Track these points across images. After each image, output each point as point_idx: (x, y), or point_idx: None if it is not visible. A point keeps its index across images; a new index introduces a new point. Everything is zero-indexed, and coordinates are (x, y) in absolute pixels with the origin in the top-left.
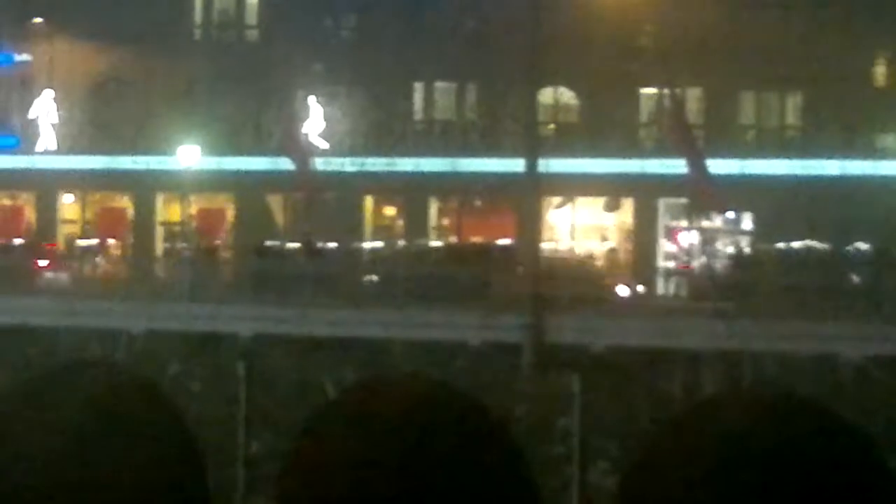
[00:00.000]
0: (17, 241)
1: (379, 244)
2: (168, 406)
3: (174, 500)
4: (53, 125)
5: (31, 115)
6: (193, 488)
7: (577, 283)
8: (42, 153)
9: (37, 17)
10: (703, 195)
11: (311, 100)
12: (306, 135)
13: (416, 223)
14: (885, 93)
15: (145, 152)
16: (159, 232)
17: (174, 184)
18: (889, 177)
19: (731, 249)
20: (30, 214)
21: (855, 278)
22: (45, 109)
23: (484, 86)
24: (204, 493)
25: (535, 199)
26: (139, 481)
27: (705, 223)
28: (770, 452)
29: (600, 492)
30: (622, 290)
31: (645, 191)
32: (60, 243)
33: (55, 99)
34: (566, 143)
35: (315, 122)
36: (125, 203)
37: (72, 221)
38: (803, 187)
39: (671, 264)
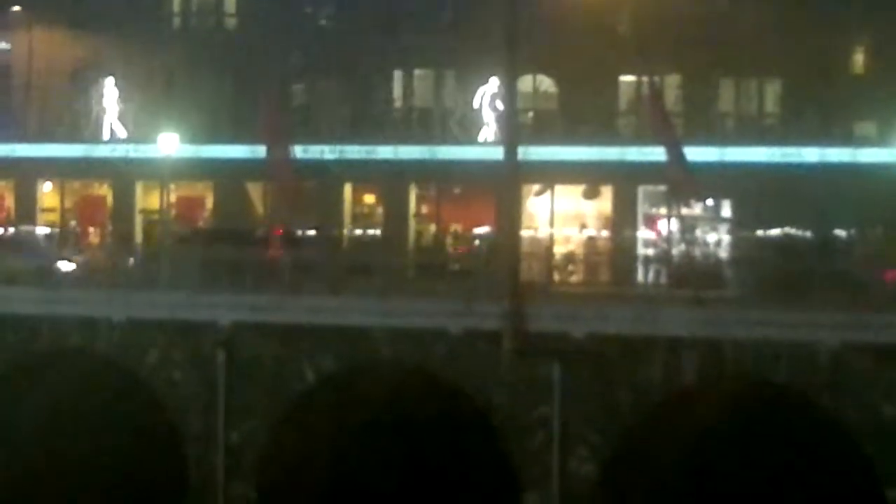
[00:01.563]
0: None
1: None
2: (148, 394)
3: (155, 488)
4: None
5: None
6: (174, 476)
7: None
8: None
9: (15, 5)
10: (681, 182)
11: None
12: (285, 122)
13: (395, 211)
14: (864, 80)
15: (124, 140)
16: (138, 220)
17: (153, 172)
18: (867, 164)
19: (710, 237)
20: (9, 202)
21: (833, 265)
22: (109, 100)
23: (462, 73)
24: (184, 480)
25: (514, 186)
26: (119, 470)
27: (684, 211)
28: (748, 439)
29: (580, 479)
30: None
31: (624, 178)
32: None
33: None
34: (545, 130)
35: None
36: (104, 191)
37: (51, 210)
38: (782, 175)
39: (650, 251)
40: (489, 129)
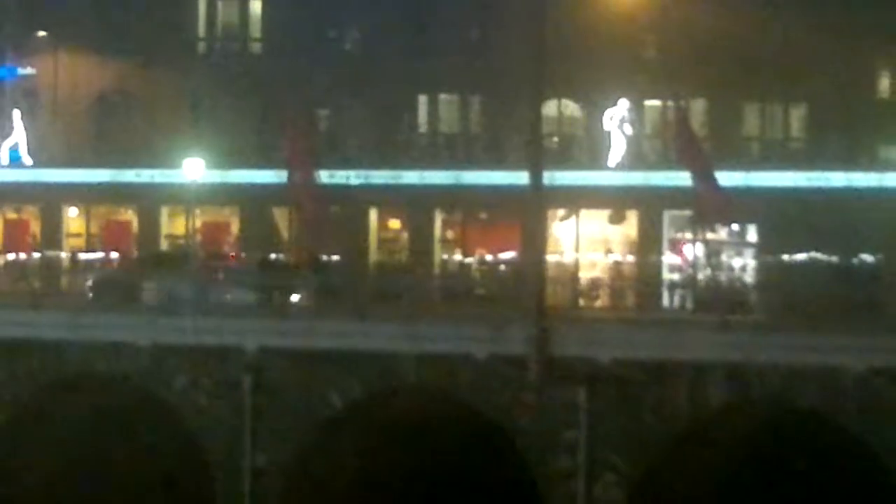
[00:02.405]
0: None
1: None
2: (174, 419)
3: None
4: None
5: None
6: (200, 502)
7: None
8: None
9: (41, 30)
10: (714, 206)
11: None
12: (310, 147)
13: (420, 236)
14: (889, 104)
15: (150, 165)
16: (164, 245)
17: (179, 197)
18: (893, 188)
19: (736, 261)
20: (35, 227)
21: (859, 289)
22: None
23: (488, 98)
24: None
25: (540, 211)
26: (145, 495)
27: (710, 235)
28: (775, 464)
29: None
30: None
31: (649, 203)
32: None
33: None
34: (570, 155)
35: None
36: (130, 216)
37: (77, 235)
38: (808, 199)
39: (676, 276)
40: (617, 152)
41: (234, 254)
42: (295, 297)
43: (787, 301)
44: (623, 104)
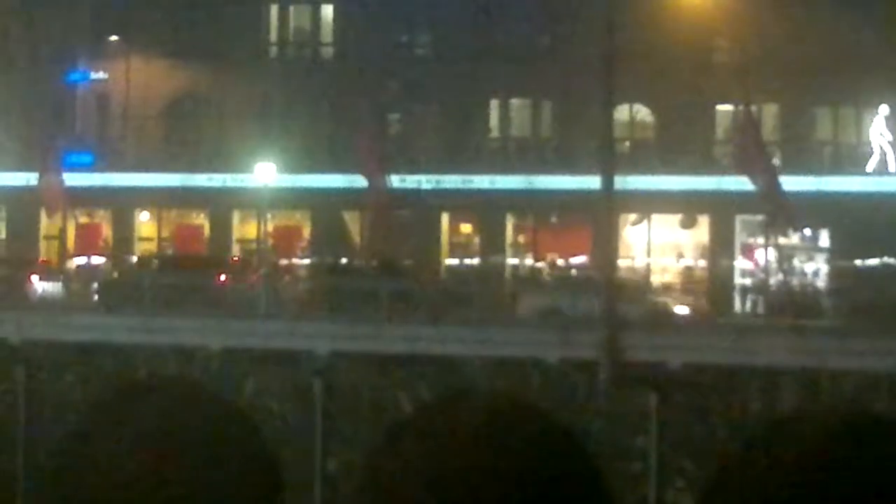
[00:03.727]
0: None
1: None
2: (245, 423)
3: None
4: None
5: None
6: None
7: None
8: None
9: (113, 34)
10: (778, 211)
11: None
12: (382, 152)
13: (492, 240)
14: None
15: (221, 170)
16: (235, 249)
17: (250, 201)
18: None
19: (808, 266)
20: (106, 232)
21: None
22: None
23: (559, 103)
24: None
25: (611, 216)
26: (217, 499)
27: (782, 240)
28: (847, 469)
29: None
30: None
31: (721, 207)
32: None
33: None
34: (642, 159)
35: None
36: (201, 220)
37: (148, 239)
38: (880, 204)
39: (748, 281)
40: (882, 158)
41: (236, 257)
42: None
43: (860, 306)
44: (883, 109)
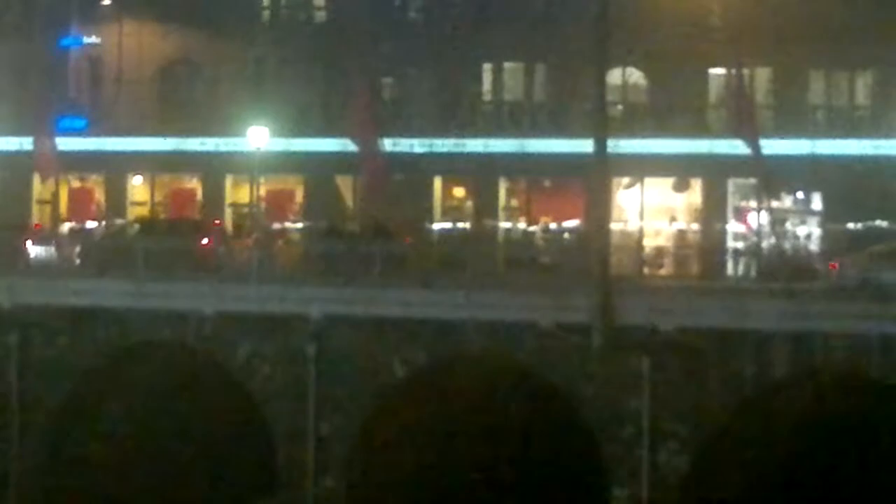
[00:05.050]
0: None
1: None
2: (238, 387)
3: (245, 481)
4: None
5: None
6: (264, 469)
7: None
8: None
9: None
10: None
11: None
12: (375, 116)
13: (485, 204)
14: None
15: (214, 134)
16: (228, 213)
17: (243, 165)
18: None
19: (801, 230)
20: (99, 196)
21: None
22: None
23: (552, 66)
24: (274, 473)
25: (604, 179)
26: (210, 462)
27: (775, 203)
28: (841, 432)
29: (670, 473)
30: None
31: (714, 171)
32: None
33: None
34: (635, 123)
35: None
36: (194, 185)
37: (141, 203)
38: (873, 167)
39: (740, 245)
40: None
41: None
42: None
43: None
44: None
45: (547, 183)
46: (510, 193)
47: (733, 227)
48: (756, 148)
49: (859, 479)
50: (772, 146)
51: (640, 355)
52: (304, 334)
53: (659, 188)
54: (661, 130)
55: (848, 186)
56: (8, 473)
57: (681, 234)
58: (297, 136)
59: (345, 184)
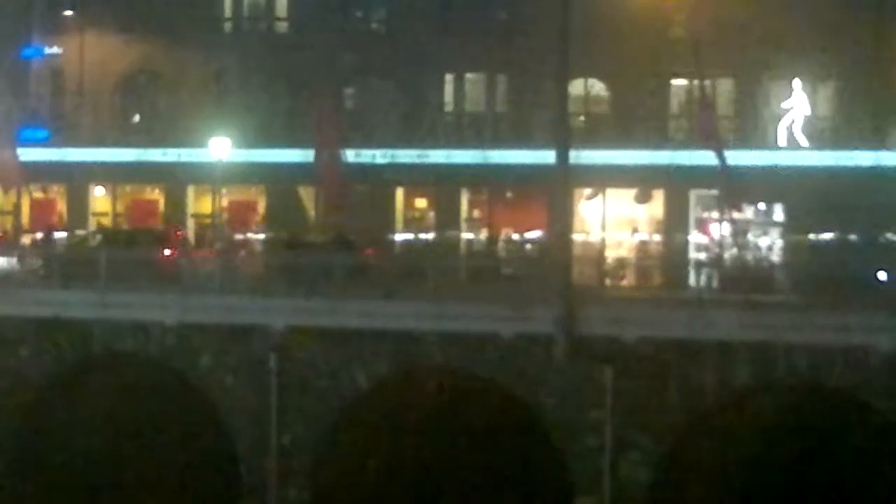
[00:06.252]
0: None
1: None
2: (200, 398)
3: (208, 492)
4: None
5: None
6: (227, 480)
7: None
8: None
9: (67, 9)
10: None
11: (342, 91)
12: (337, 126)
13: (447, 215)
14: None
15: (176, 144)
16: (191, 224)
17: (205, 176)
18: None
19: (762, 241)
20: (61, 207)
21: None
22: None
23: (514, 77)
24: (237, 484)
25: (566, 190)
26: (172, 474)
27: (736, 214)
28: (802, 443)
29: (633, 483)
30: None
31: (676, 182)
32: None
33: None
34: (597, 134)
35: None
36: (156, 195)
37: (103, 214)
38: (835, 179)
39: (702, 255)
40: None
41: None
42: None
43: (814, 280)
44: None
45: (509, 194)
46: (472, 204)
47: (695, 237)
48: (721, 158)
49: (821, 489)
50: (734, 157)
51: (602, 365)
52: (266, 345)
53: (621, 199)
54: (623, 141)
55: (810, 198)
56: None
57: (643, 245)
58: (259, 147)
59: (307, 194)
